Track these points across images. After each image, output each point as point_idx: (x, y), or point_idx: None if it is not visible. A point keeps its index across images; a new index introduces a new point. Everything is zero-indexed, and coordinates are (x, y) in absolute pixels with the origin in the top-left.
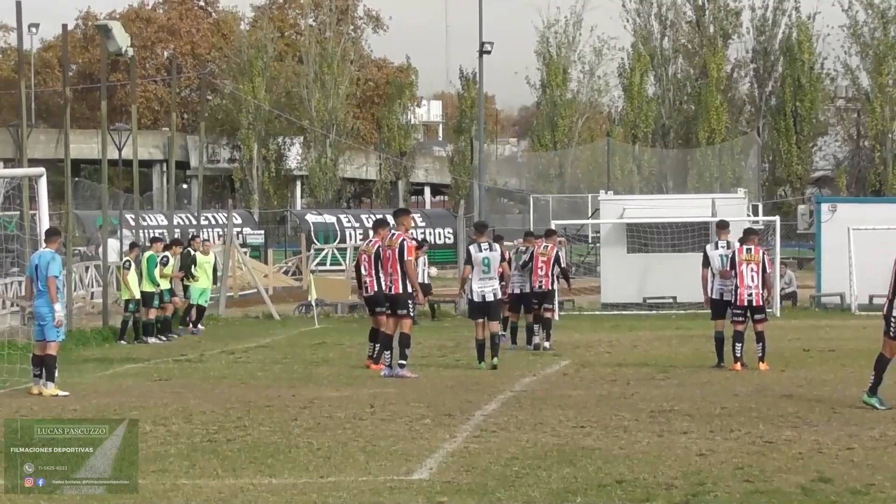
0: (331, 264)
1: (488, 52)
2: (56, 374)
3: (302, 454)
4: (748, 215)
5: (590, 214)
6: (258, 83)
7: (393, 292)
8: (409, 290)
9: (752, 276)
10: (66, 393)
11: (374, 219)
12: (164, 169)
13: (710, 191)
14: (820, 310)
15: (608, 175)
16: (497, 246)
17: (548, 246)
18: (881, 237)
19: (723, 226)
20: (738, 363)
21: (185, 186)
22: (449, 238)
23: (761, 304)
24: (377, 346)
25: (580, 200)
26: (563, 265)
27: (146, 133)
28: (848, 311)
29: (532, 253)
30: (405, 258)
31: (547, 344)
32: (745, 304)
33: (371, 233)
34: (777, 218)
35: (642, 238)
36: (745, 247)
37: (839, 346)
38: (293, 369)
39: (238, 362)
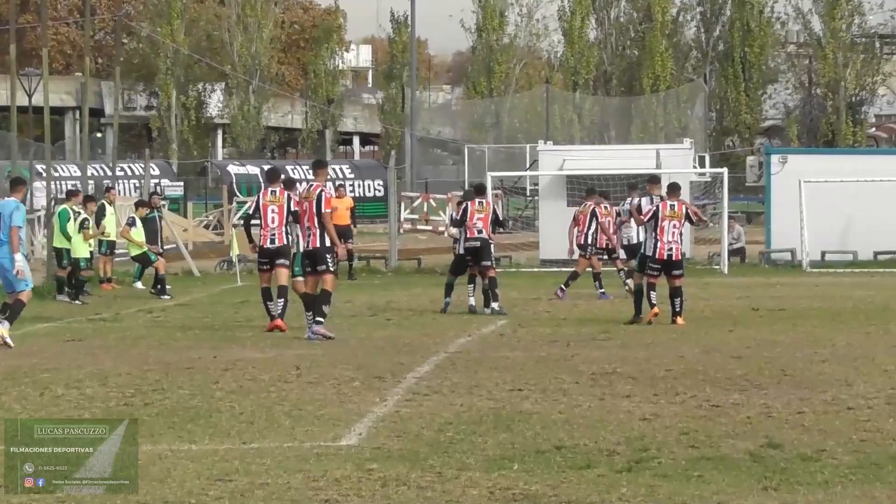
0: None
1: None
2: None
3: (224, 419)
4: (694, 167)
5: (528, 166)
6: (177, 26)
7: (311, 247)
8: (328, 244)
9: (674, 232)
10: (12, 344)
11: (299, 170)
12: (77, 116)
13: (655, 141)
14: (770, 266)
15: (547, 124)
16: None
17: (483, 202)
18: (834, 190)
19: (655, 180)
20: (655, 307)
21: (99, 135)
22: (379, 190)
23: (680, 258)
24: (278, 303)
25: (517, 151)
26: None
27: (58, 78)
28: (799, 268)
29: (466, 207)
30: (322, 210)
31: (496, 305)
32: (665, 258)
33: (266, 184)
34: (725, 170)
35: (583, 191)
36: (668, 202)
37: (790, 304)
38: (214, 329)
39: (156, 322)
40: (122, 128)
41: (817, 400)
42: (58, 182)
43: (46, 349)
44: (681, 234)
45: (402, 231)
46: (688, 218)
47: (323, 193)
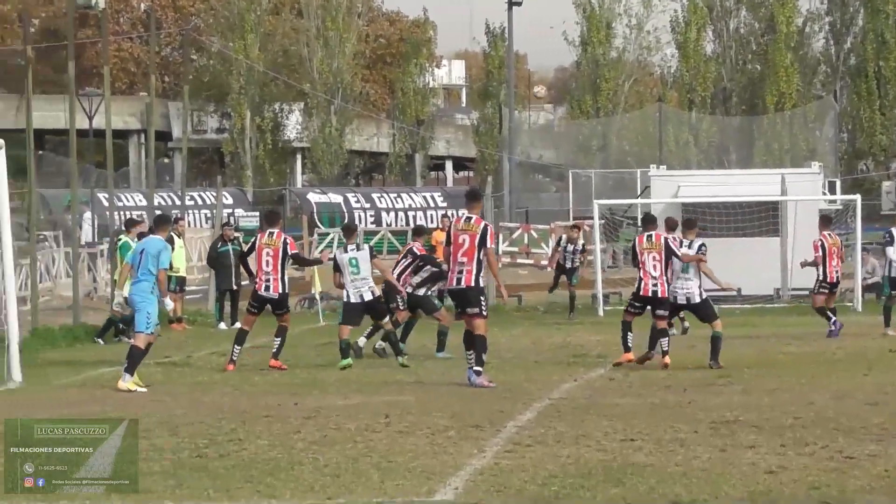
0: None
1: (519, 4)
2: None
3: (306, 472)
4: (824, 193)
5: (639, 193)
6: (251, 40)
7: (463, 285)
8: (483, 284)
9: (655, 265)
10: (144, 388)
11: (386, 198)
12: (142, 140)
13: (780, 165)
14: None
15: (660, 147)
16: (366, 246)
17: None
18: None
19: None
20: (630, 353)
21: (166, 161)
22: None
23: (666, 296)
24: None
25: (627, 176)
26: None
27: (121, 99)
28: None
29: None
30: (487, 245)
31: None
32: (650, 294)
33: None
34: (858, 196)
35: (700, 220)
36: (645, 234)
37: None
38: (295, 373)
39: None
40: (191, 152)
41: None
42: (121, 212)
43: (111, 396)
44: (667, 269)
45: (500, 265)
46: (669, 251)
47: (488, 228)
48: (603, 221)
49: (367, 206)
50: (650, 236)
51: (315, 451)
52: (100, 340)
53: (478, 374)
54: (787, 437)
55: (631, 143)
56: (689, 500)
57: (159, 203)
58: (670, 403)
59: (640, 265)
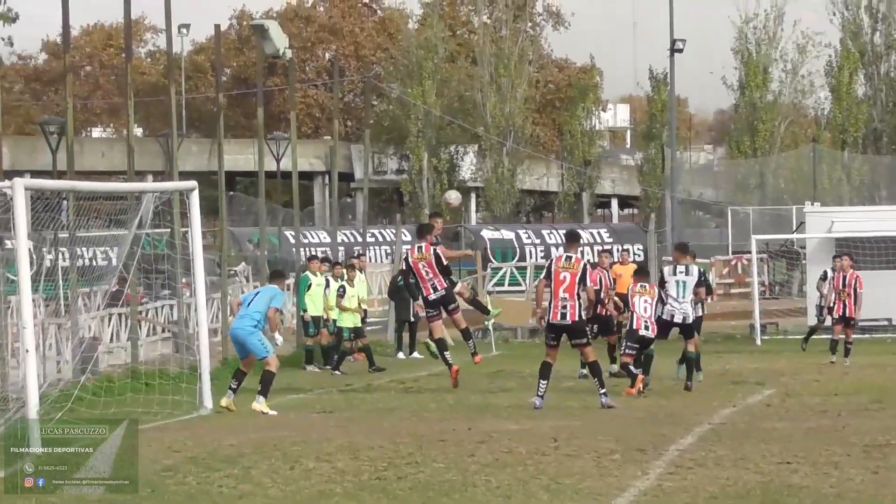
0: (509, 284)
1: (680, 51)
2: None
3: (480, 493)
4: None
5: (794, 229)
6: (428, 86)
7: (569, 321)
8: (585, 317)
9: (646, 308)
10: (275, 412)
11: (563, 232)
12: (326, 181)
13: None
14: None
15: (814, 185)
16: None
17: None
18: None
19: (682, 249)
20: (635, 388)
21: (349, 200)
22: (639, 255)
23: (655, 335)
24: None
25: (783, 213)
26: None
27: (306, 142)
28: None
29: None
30: (587, 283)
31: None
32: (642, 334)
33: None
34: None
35: (853, 254)
36: (638, 283)
37: None
38: (468, 400)
39: (408, 392)
40: (372, 192)
41: None
42: (306, 248)
43: (296, 421)
44: (654, 308)
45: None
46: (658, 295)
47: (587, 267)
48: (765, 255)
49: (538, 241)
50: (644, 285)
51: (488, 473)
52: (312, 367)
53: (605, 395)
54: None
55: (786, 181)
56: None
57: (342, 240)
58: (825, 427)
59: (632, 307)
